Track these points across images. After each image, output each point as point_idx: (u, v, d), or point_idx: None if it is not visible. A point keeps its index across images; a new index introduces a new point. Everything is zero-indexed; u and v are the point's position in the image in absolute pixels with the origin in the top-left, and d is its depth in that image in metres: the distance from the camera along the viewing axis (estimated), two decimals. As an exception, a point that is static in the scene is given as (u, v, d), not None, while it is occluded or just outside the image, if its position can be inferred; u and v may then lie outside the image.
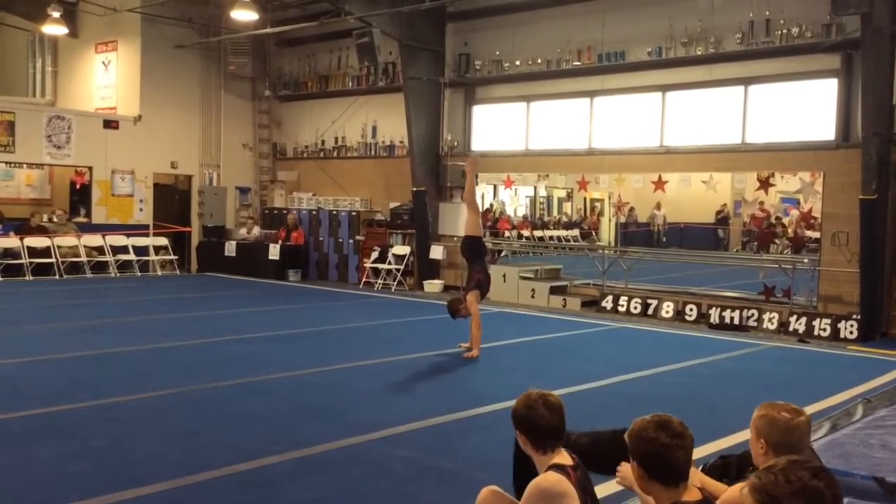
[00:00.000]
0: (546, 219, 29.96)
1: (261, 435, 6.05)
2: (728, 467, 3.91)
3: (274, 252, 17.72)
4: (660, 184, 14.17)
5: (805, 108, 12.46)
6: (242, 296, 15.11)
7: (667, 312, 13.14)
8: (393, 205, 17.21)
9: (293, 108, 19.78)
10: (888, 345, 10.82)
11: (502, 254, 18.02)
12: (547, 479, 3.13)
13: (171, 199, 19.50)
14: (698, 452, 3.47)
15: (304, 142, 19.48)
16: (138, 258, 17.84)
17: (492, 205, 27.63)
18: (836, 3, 10.60)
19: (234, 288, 16.32)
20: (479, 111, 16.41)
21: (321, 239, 18.17)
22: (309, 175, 19.31)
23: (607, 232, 26.63)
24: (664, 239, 26.72)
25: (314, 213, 18.36)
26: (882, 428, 5.30)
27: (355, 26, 15.24)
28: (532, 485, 3.15)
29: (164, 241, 18.49)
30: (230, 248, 18.49)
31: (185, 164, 19.10)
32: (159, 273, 18.14)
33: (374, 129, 17.98)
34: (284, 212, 18.72)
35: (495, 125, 16.17)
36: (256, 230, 18.83)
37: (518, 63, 15.18)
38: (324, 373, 8.36)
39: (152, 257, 18.16)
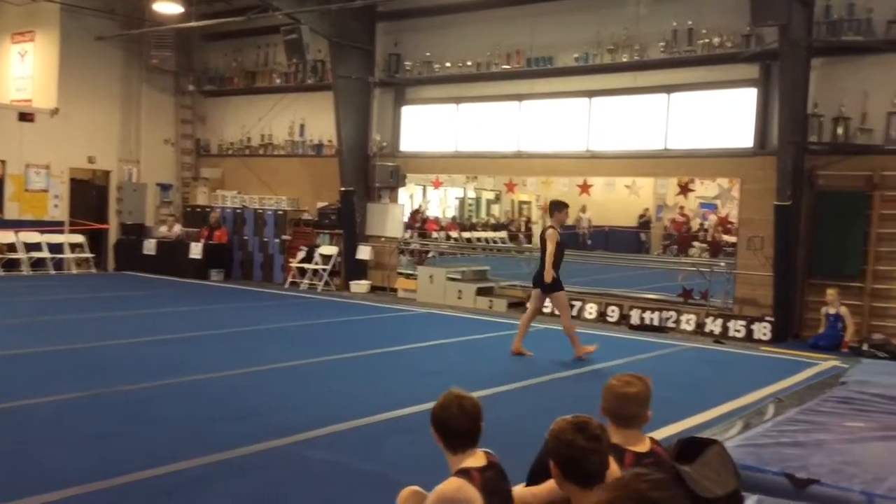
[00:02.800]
0: (474, 220, 30.13)
1: (176, 439, 5.88)
2: (686, 449, 4.00)
3: (196, 251, 17.32)
4: (585, 187, 14.39)
5: (724, 116, 12.83)
6: (161, 295, 14.70)
7: (590, 314, 13.34)
8: (320, 204, 17.02)
9: (218, 103, 19.36)
10: (799, 346, 11.22)
11: (430, 255, 18.02)
12: (449, 485, 3.14)
13: (89, 195, 18.82)
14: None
15: (229, 138, 19.08)
16: (53, 256, 17.20)
17: (420, 205, 27.65)
18: (755, 14, 10.92)
19: (152, 287, 15.87)
20: (408, 112, 16.37)
21: (246, 238, 17.84)
22: (234, 173, 18.94)
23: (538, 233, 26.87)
24: (589, 242, 27.18)
25: (239, 211, 18.02)
26: (793, 426, 5.47)
27: (283, 22, 15.00)
28: (434, 491, 3.16)
29: (80, 238, 17.86)
30: (150, 247, 17.99)
31: (104, 160, 18.49)
32: (74, 271, 17.52)
33: (303, 127, 17.75)
34: (207, 210, 18.32)
35: (425, 126, 16.16)
36: (177, 228, 18.37)
37: (448, 65, 15.20)
38: (244, 375, 8.18)
39: (67, 255, 17.53)
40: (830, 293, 11.23)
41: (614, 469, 3.32)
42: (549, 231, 9.66)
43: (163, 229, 18.48)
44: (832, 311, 11.21)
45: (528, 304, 10.20)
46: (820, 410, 5.97)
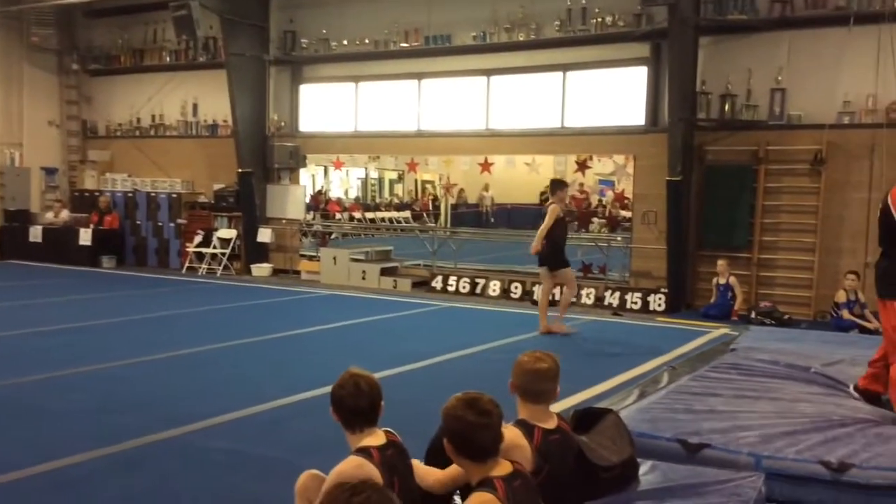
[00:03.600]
0: (378, 200, 29.97)
1: (67, 432, 5.64)
2: (583, 419, 4.11)
3: (85, 237, 16.58)
4: (486, 166, 14.49)
5: (618, 94, 13.12)
6: (49, 284, 14.02)
7: (494, 291, 13.48)
8: (217, 186, 16.55)
9: (105, 83, 18.50)
10: (692, 316, 11.65)
11: (333, 236, 17.82)
12: (348, 464, 3.12)
13: (-33, 181, 17.74)
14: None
15: (117, 119, 18.29)
16: (-73, 246, 16.15)
17: (322, 187, 27.32)
18: (645, -6, 11.20)
19: (40, 276, 15.11)
20: (306, 90, 16.06)
21: (138, 223, 17.19)
22: (123, 155, 18.17)
23: (445, 213, 27.02)
24: (492, 220, 27.51)
25: (130, 195, 17.33)
26: (686, 394, 5.66)
27: (172, -2, 14.42)
28: (333, 472, 3.13)
29: (-42, 226, 16.84)
30: (35, 234, 17.11)
31: (-18, 143, 17.44)
32: (-47, 262, 16.53)
33: (195, 107, 17.17)
34: (96, 194, 17.54)
35: (324, 105, 15.89)
36: (65, 214, 17.52)
37: (346, 42, 14.96)
38: (139, 364, 7.89)
39: (-56, 245, 16.50)
40: (720, 264, 11.70)
41: (523, 444, 3.35)
42: (551, 206, 9.82)
43: (49, 215, 17.60)
44: (722, 281, 11.68)
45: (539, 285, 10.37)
46: (711, 377, 6.20)
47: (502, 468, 2.94)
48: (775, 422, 4.93)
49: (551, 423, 3.53)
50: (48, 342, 8.89)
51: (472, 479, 2.98)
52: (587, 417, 4.17)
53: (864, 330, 10.17)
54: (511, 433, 3.33)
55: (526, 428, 3.43)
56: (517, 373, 3.53)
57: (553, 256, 9.85)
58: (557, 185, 10.20)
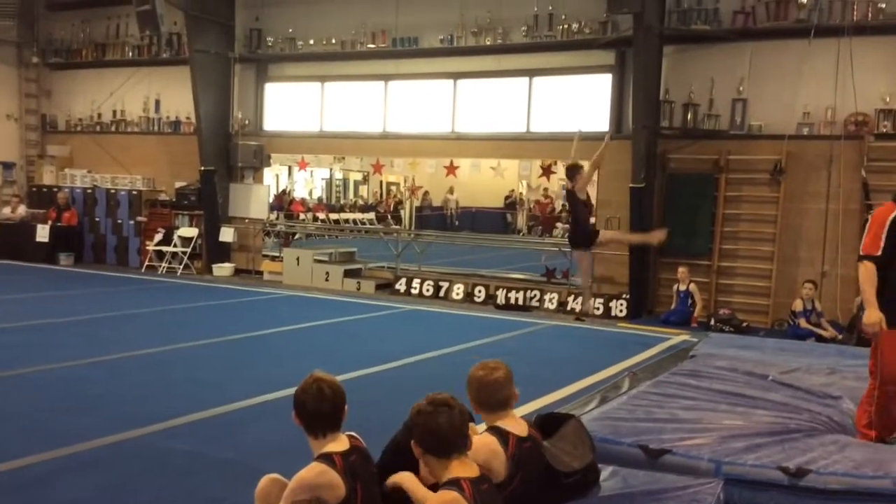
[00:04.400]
0: (342, 201, 29.85)
1: (20, 433, 5.52)
2: (545, 425, 4.09)
3: (42, 233, 16.24)
4: (452, 169, 14.49)
5: (583, 100, 13.21)
6: (4, 281, 13.71)
7: (457, 294, 13.50)
8: (179, 184, 16.33)
9: (66, 77, 18.17)
10: (653, 322, 11.78)
11: (296, 237, 17.70)
12: (310, 471, 3.11)
13: (-81, 174, 17.29)
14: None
15: (77, 114, 17.96)
16: None
17: (286, 186, 27.13)
18: (611, 1, 11.29)
19: (-5, 273, 14.79)
20: (271, 89, 15.94)
21: (97, 220, 16.90)
22: (83, 150, 17.85)
23: (408, 215, 27.00)
24: (457, 223, 27.53)
25: (89, 191, 17.02)
26: (646, 399, 5.72)
27: (136, -8, 14.20)
28: (294, 478, 3.10)
29: None
30: (-9, 230, 16.73)
31: (-64, 135, 17.01)
32: None
33: (158, 103, 16.93)
34: (55, 190, 17.21)
35: (289, 105, 15.77)
36: (22, 209, 17.15)
37: (312, 42, 14.88)
38: (94, 364, 7.76)
39: None
40: (681, 271, 11.85)
41: (499, 450, 3.34)
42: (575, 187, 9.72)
43: (6, 211, 17.21)
44: (682, 287, 11.83)
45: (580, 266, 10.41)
46: (671, 383, 6.27)
47: (470, 470, 2.95)
48: (734, 428, 4.99)
49: (523, 431, 3.53)
50: (2, 340, 8.69)
51: (440, 479, 2.98)
52: (549, 422, 4.19)
53: (820, 339, 10.37)
54: (486, 440, 3.33)
55: (501, 435, 3.42)
56: (476, 388, 3.48)
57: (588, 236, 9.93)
58: (573, 169, 9.97)
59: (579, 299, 12.52)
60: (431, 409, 2.96)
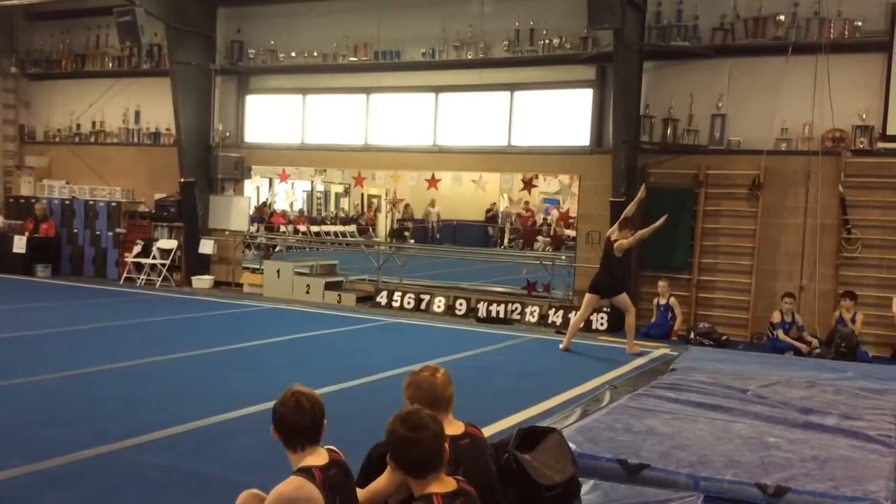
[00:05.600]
0: (324, 214, 29.79)
1: (-6, 448, 5.42)
2: (526, 438, 4.13)
3: (19, 245, 16.06)
4: (433, 182, 14.51)
5: (564, 115, 13.29)
6: (-20, 293, 13.55)
7: (438, 307, 13.48)
8: (158, 196, 16.22)
9: (44, 87, 18.02)
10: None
11: (277, 249, 17.62)
12: (288, 485, 3.08)
13: None
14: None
15: (56, 125, 17.81)
16: None
17: (267, 199, 27.03)
18: (592, 17, 11.35)
19: (-30, 284, 14.60)
20: (252, 101, 15.89)
21: (76, 231, 16.74)
22: (62, 161, 17.70)
23: (384, 227, 26.99)
24: (438, 235, 27.55)
25: (67, 202, 16.87)
26: (626, 413, 5.74)
27: (116, 3, 14.11)
28: (273, 492, 3.08)
29: None
30: (-33, 240, 16.52)
31: (-89, 145, 16.79)
32: None
33: (138, 114, 16.84)
34: (32, 201, 17.04)
35: (270, 117, 15.73)
36: (-1, 220, 16.98)
37: (294, 54, 14.87)
38: (70, 377, 7.65)
39: None
40: (661, 285, 11.90)
41: None
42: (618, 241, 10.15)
43: (-19, 222, 17.02)
44: (663, 301, 11.89)
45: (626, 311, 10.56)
46: (651, 396, 6.30)
47: (445, 485, 2.93)
48: (713, 443, 5.02)
49: (458, 430, 3.55)
50: (-24, 353, 8.57)
51: (414, 493, 2.97)
52: (530, 436, 4.19)
53: (798, 352, 10.44)
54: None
55: None
56: (416, 393, 3.50)
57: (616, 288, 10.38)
58: (625, 223, 10.43)
59: (560, 312, 12.54)
60: (410, 436, 2.91)
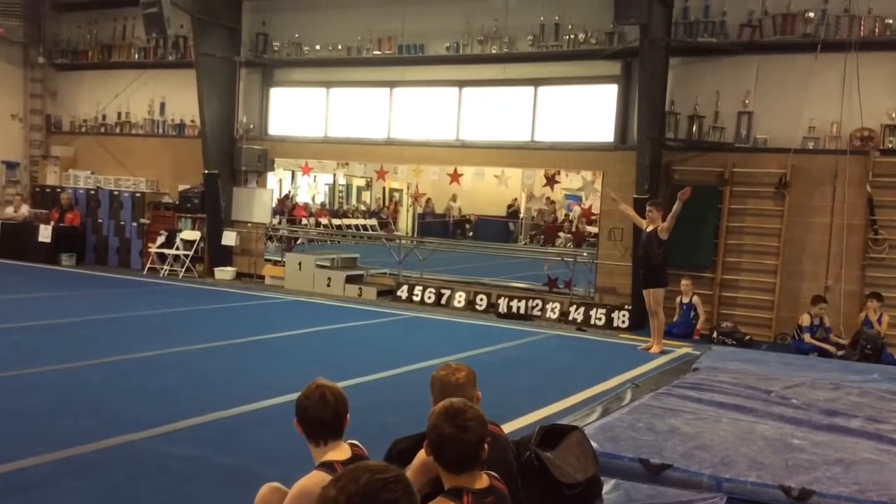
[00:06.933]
0: (345, 207, 29.86)
1: (19, 435, 5.48)
2: (548, 436, 4.09)
3: (45, 234, 16.24)
4: (455, 176, 14.50)
5: (588, 110, 13.21)
6: (5, 281, 13.71)
7: (459, 302, 13.47)
8: (182, 187, 16.33)
9: (71, 78, 18.20)
10: (655, 333, 11.72)
11: (298, 241, 17.69)
12: (311, 480, 3.06)
13: (-77, 172, 17.29)
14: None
15: (82, 115, 17.98)
16: None
17: (289, 191, 27.15)
18: (618, 12, 11.29)
19: (-4, 272, 14.78)
20: (276, 94, 15.94)
21: (100, 221, 16.89)
22: (87, 151, 17.87)
23: (405, 221, 26.98)
24: (461, 231, 27.55)
25: (93, 192, 17.02)
26: (648, 412, 5.69)
27: (143, -6, 14.22)
28: (295, 486, 3.07)
29: (-88, 218, 16.38)
30: (-7, 229, 16.74)
31: (-59, 134, 17.03)
32: None
33: (163, 105, 16.95)
34: (58, 190, 17.22)
35: (294, 109, 15.78)
36: (25, 209, 17.16)
37: (318, 48, 14.90)
38: (97, 366, 7.73)
39: None
40: (684, 283, 11.81)
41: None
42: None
43: (9, 210, 17.22)
44: (685, 300, 11.79)
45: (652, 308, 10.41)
46: (674, 396, 6.25)
47: (479, 481, 2.90)
48: (736, 444, 4.97)
49: None
50: (1, 340, 8.67)
51: (445, 484, 2.94)
52: (552, 434, 4.17)
53: (823, 353, 10.32)
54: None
55: None
56: (439, 388, 3.50)
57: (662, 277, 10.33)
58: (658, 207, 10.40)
59: (581, 309, 12.48)
60: (453, 435, 2.81)
